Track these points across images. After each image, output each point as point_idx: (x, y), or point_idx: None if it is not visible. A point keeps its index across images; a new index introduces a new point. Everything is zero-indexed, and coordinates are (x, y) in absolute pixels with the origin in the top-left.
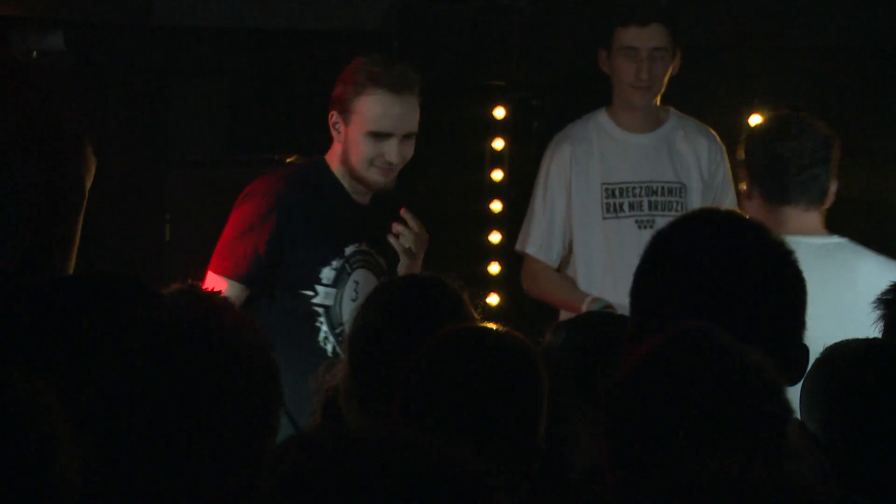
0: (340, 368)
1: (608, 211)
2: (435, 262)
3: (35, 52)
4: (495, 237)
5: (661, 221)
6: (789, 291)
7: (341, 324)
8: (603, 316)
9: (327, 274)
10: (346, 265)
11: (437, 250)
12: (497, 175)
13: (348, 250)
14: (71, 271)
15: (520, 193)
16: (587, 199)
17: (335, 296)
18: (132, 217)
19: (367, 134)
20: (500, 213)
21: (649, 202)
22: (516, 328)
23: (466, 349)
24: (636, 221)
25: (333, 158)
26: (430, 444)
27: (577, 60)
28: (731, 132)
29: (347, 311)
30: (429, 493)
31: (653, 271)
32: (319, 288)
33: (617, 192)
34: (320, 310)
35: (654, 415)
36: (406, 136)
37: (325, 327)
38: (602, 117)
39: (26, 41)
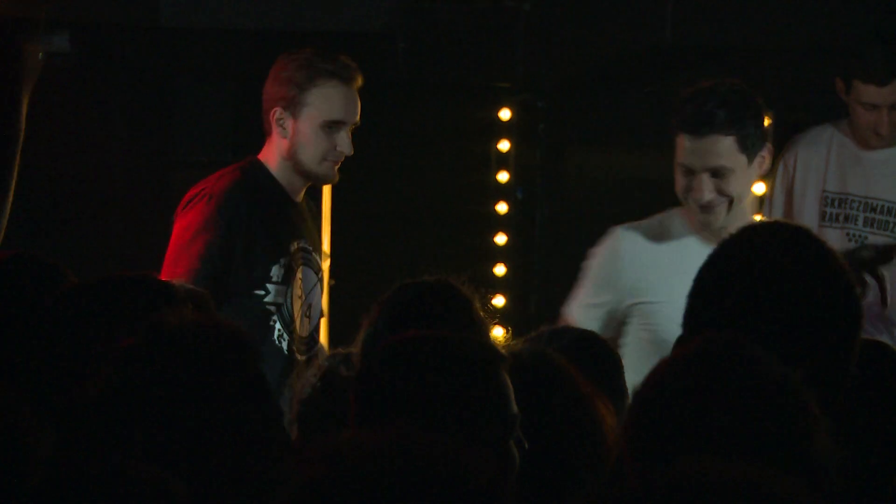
0: (312, 375)
1: (823, 219)
2: (441, 263)
3: (41, 54)
4: (501, 238)
5: (874, 240)
6: (842, 321)
7: (293, 320)
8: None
9: (276, 272)
10: (292, 262)
11: (443, 252)
12: (503, 177)
13: (293, 247)
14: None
15: (525, 195)
16: (807, 204)
17: (285, 293)
18: (136, 218)
19: (322, 125)
20: (506, 214)
21: (865, 218)
22: (522, 330)
23: (417, 358)
24: (847, 234)
25: (272, 157)
26: (439, 447)
27: (583, 62)
28: None
29: (294, 308)
30: (441, 495)
31: (712, 277)
32: (270, 286)
33: (836, 203)
34: (272, 308)
35: (674, 421)
36: (351, 128)
37: (279, 325)
38: (842, 127)
39: (32, 42)
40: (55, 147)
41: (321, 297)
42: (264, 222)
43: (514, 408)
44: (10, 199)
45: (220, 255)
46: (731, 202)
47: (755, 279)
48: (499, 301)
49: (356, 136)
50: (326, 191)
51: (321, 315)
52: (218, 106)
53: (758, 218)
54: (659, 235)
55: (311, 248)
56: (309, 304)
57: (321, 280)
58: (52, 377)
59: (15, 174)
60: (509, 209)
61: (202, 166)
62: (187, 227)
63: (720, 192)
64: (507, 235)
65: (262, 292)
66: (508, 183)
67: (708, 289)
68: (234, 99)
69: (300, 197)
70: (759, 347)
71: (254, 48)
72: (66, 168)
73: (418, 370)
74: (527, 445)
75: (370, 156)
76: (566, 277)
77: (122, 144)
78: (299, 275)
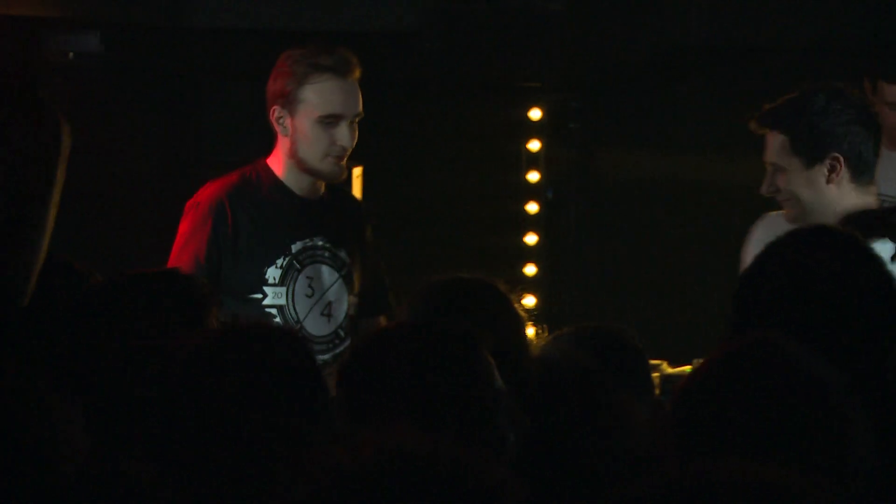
0: None
1: None
2: (471, 263)
3: (71, 54)
4: (531, 238)
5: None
6: (886, 325)
7: (299, 321)
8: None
9: (272, 273)
10: (294, 262)
11: (474, 252)
12: (533, 176)
13: (295, 247)
14: (39, 263)
15: (556, 195)
16: None
17: (285, 294)
18: (165, 218)
19: (318, 120)
20: (537, 214)
21: None
22: (553, 331)
23: (391, 347)
24: None
25: (278, 156)
26: (443, 451)
27: (613, 61)
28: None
29: (301, 308)
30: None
31: (756, 279)
32: (267, 289)
33: None
34: (273, 311)
35: (716, 419)
36: (353, 120)
37: None
38: None
39: (63, 42)
40: (82, 146)
41: (347, 293)
42: (256, 225)
43: (500, 383)
44: (53, 213)
45: (207, 264)
46: (791, 202)
47: (800, 282)
48: (529, 301)
49: (386, 135)
50: (356, 190)
51: (348, 312)
52: (246, 106)
53: None
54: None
55: (329, 246)
56: (328, 301)
57: (346, 277)
58: (83, 373)
59: (58, 189)
60: (540, 209)
61: (230, 166)
62: (181, 236)
63: (776, 188)
64: (538, 235)
65: (260, 295)
66: (539, 183)
67: (752, 290)
68: (262, 99)
69: (316, 194)
70: (802, 348)
71: (282, 48)
72: (94, 167)
73: (393, 358)
74: (528, 423)
75: (400, 155)
76: (597, 277)
77: (150, 143)
78: (308, 274)
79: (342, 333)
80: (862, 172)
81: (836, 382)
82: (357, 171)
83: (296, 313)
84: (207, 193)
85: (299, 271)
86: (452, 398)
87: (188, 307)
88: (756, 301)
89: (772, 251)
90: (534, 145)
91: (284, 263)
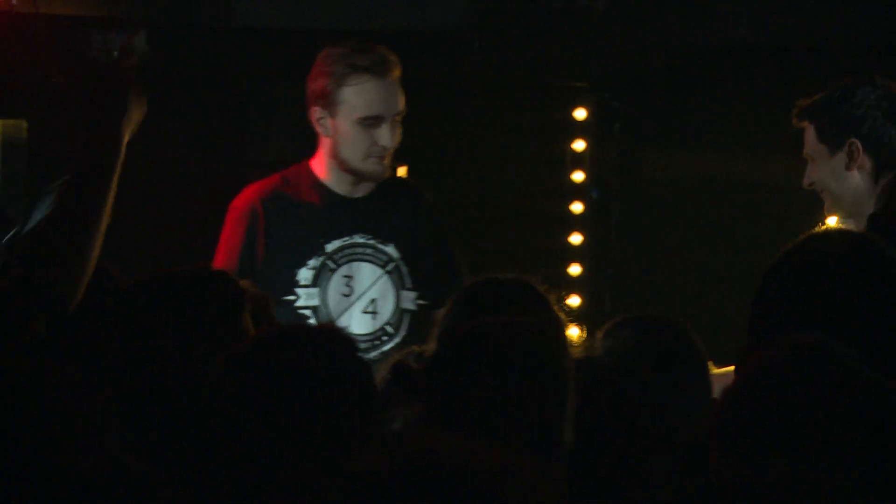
0: (385, 370)
1: None
2: (516, 263)
3: (116, 53)
4: (576, 238)
5: None
6: None
7: (335, 321)
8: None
9: (304, 275)
10: (329, 262)
11: (518, 251)
12: (578, 176)
13: (331, 246)
14: (89, 274)
15: (600, 195)
16: None
17: (318, 294)
18: (212, 218)
19: (358, 121)
20: (581, 214)
21: None
22: (593, 330)
23: (485, 344)
24: None
25: (320, 157)
26: (463, 450)
27: (658, 61)
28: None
29: (337, 308)
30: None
31: (775, 286)
32: (299, 290)
33: None
34: (308, 312)
35: (766, 424)
36: (395, 119)
37: None
38: None
39: (108, 42)
40: (129, 146)
41: (395, 289)
42: (290, 228)
43: (574, 393)
44: (106, 220)
45: (240, 269)
46: (824, 192)
47: (812, 284)
48: (574, 301)
49: (430, 135)
50: None
51: (400, 308)
52: (293, 105)
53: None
54: None
55: (372, 242)
56: (371, 299)
57: (393, 272)
58: (113, 375)
59: (111, 200)
60: (584, 209)
61: (277, 166)
62: (221, 237)
63: (811, 180)
64: (583, 235)
65: (293, 297)
66: (584, 183)
67: (771, 297)
68: None
69: (360, 192)
70: (849, 350)
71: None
72: (141, 167)
73: (486, 355)
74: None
75: (445, 156)
76: (641, 277)
77: (198, 144)
78: (344, 272)
79: (390, 330)
80: (886, 160)
81: (889, 385)
82: (402, 171)
83: (330, 313)
84: (244, 198)
85: (334, 271)
86: (536, 402)
87: (219, 307)
88: (769, 304)
89: (787, 254)
90: (579, 145)
91: (318, 264)
